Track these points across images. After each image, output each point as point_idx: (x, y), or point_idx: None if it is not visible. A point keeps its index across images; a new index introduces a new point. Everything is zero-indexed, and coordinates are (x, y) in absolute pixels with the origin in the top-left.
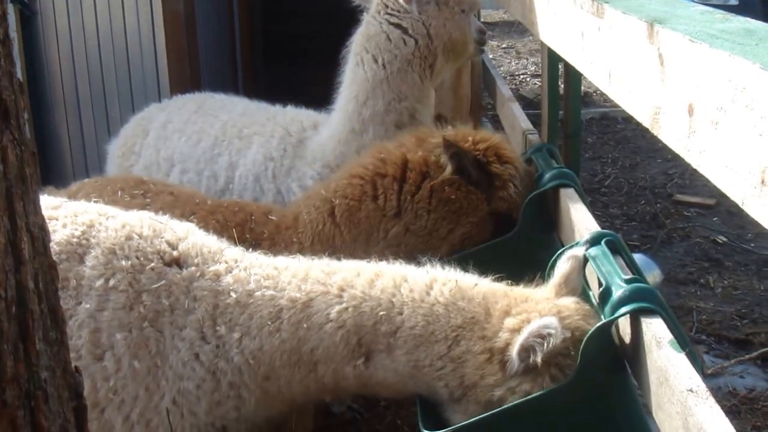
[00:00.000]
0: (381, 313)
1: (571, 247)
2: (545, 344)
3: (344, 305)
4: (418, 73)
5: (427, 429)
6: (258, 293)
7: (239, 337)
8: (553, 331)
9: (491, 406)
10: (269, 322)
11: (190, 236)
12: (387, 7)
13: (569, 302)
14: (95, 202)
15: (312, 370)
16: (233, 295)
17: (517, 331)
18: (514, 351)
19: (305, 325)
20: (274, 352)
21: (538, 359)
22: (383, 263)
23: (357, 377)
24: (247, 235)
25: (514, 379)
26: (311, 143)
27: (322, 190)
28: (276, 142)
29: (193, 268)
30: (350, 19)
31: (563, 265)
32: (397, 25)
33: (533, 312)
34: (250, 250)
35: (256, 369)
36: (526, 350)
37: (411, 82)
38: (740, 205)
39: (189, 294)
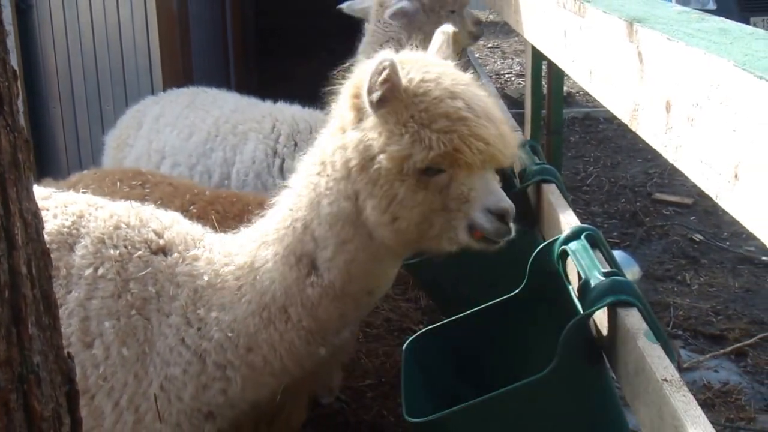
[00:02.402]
0: (296, 225)
1: (554, 242)
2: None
3: (274, 245)
4: None
5: (411, 418)
6: (222, 270)
7: (216, 315)
8: (387, 63)
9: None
10: (236, 292)
11: (175, 225)
12: (382, 22)
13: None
14: (94, 193)
15: (286, 319)
16: (206, 277)
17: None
18: (365, 102)
19: (258, 277)
20: (247, 317)
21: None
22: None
23: (325, 296)
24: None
25: (372, 129)
26: None
27: None
28: (283, 138)
29: (176, 254)
30: (343, 15)
31: (436, 38)
32: (397, 38)
33: None
34: None
35: (236, 341)
36: (371, 91)
37: None
38: (714, 199)
39: (173, 281)
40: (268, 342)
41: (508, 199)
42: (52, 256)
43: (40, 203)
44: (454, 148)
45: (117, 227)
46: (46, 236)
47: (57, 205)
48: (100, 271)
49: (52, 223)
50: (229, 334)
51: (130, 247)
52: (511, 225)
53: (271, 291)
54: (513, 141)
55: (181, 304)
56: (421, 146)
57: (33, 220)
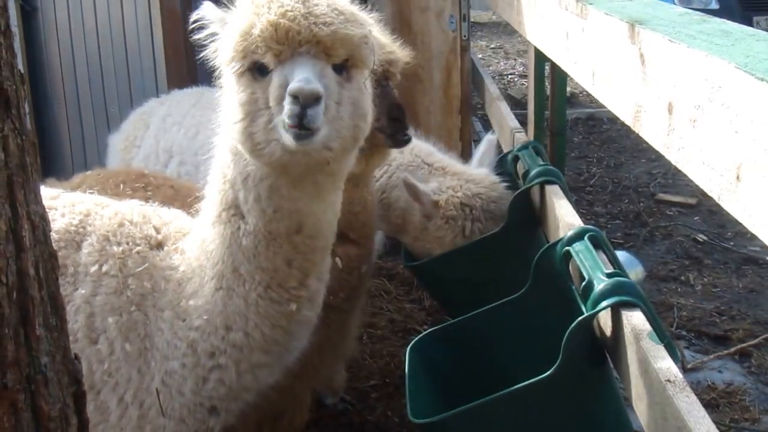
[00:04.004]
0: (218, 178)
1: (557, 243)
2: None
3: (210, 208)
4: None
5: (415, 418)
6: (188, 257)
7: (193, 303)
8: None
9: None
10: (200, 273)
11: (175, 221)
12: None
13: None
14: (97, 194)
15: (243, 281)
16: (182, 268)
17: None
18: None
19: (207, 249)
20: (213, 295)
21: None
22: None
23: (258, 242)
24: None
25: None
26: None
27: None
28: None
29: (166, 249)
30: None
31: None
32: None
33: None
34: None
35: (214, 323)
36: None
37: None
38: (717, 200)
39: (162, 275)
40: (239, 313)
41: (313, 83)
42: (60, 254)
43: (48, 203)
44: (249, 24)
45: (121, 224)
46: (54, 235)
47: (65, 205)
48: (104, 268)
49: (60, 222)
50: (206, 317)
51: (131, 244)
52: (313, 112)
53: (219, 256)
54: (336, 23)
55: (169, 299)
56: (227, 40)
57: (40, 222)
